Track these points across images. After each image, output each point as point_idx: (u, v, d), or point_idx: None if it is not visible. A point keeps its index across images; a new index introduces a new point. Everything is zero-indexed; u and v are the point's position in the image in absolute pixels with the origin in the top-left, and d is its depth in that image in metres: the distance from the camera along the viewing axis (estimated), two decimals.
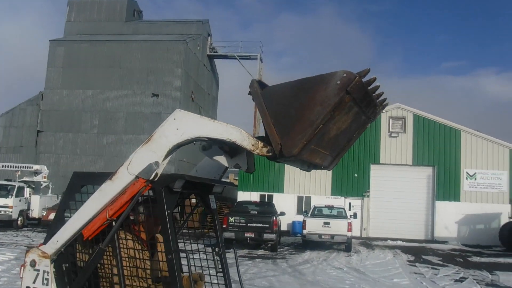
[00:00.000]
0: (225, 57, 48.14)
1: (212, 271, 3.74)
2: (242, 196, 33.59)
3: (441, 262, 20.81)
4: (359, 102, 2.96)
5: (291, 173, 34.21)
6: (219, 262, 3.66)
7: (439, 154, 34.65)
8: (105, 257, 3.32)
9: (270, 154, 2.89)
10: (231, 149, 3.14)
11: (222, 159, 3.25)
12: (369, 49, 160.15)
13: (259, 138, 2.93)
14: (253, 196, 33.80)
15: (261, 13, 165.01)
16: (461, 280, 15.65)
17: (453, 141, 34.69)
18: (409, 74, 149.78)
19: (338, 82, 2.73)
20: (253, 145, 2.90)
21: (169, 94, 39.87)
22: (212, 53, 47.39)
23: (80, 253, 3.39)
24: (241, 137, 2.91)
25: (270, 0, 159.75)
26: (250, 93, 3.00)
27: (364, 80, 2.86)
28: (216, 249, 3.65)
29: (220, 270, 3.66)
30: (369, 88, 3.00)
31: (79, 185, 3.44)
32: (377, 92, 3.15)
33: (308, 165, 3.15)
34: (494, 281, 15.77)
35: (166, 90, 39.97)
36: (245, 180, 34.67)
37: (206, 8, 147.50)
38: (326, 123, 2.81)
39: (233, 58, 46.86)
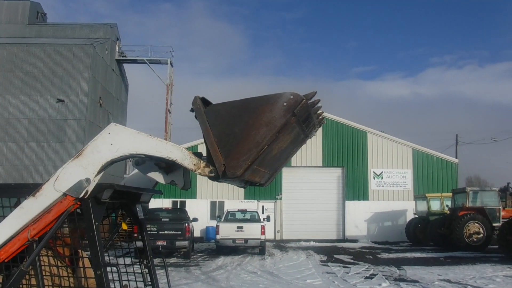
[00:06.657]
0: (134, 61, 47.19)
1: (131, 284, 3.56)
2: (154, 203, 32.99)
3: (352, 260, 21.47)
4: (302, 123, 2.96)
5: (204, 179, 33.85)
6: (147, 274, 3.49)
7: (347, 155, 35.86)
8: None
9: (212, 174, 2.78)
10: (167, 165, 2.99)
11: (156, 175, 3.08)
12: (283, 54, 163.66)
13: (197, 156, 2.82)
14: (165, 203, 33.31)
15: (178, 18, 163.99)
16: (371, 276, 16.20)
17: (361, 143, 36.07)
18: (320, 78, 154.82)
19: (285, 104, 2.70)
20: (194, 164, 2.78)
21: (76, 100, 38.25)
22: (121, 58, 46.27)
23: None
24: (182, 156, 2.78)
25: (187, 6, 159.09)
26: (192, 110, 2.88)
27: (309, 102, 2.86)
28: (145, 261, 3.48)
29: (149, 283, 3.49)
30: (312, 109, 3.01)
31: None
32: (317, 112, 3.18)
33: (245, 183, 3.10)
34: (401, 276, 16.45)
35: (72, 95, 38.34)
36: (156, 187, 34.10)
37: (121, 12, 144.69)
38: (271, 143, 2.77)
39: (143, 62, 46.08)
